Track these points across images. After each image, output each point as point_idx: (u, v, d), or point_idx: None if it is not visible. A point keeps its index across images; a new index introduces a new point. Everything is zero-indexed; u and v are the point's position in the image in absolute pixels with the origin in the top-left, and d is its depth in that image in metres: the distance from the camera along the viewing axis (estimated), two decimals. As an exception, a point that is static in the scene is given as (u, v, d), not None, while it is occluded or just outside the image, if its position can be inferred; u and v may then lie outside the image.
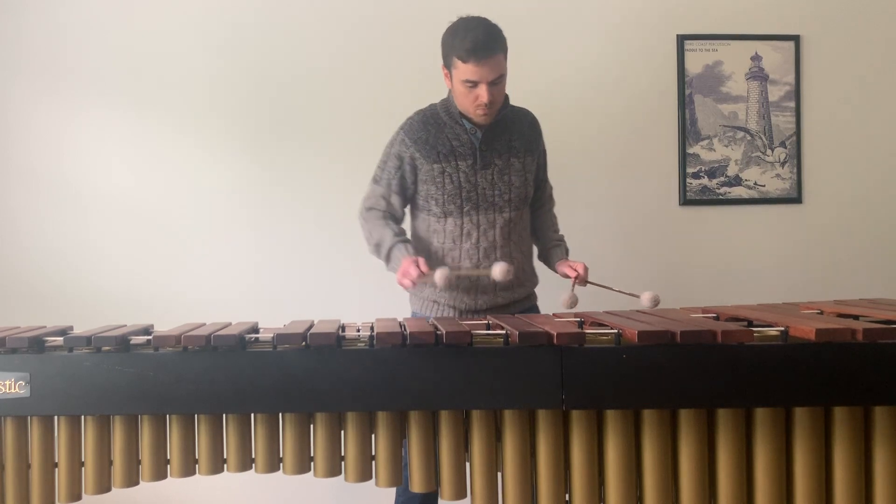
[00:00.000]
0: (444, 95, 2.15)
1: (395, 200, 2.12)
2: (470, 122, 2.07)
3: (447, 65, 2.01)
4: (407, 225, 2.22)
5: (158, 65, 2.71)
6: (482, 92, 1.96)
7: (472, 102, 1.99)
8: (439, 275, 1.92)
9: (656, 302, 1.99)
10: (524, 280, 2.17)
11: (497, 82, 1.97)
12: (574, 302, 2.06)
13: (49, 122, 2.70)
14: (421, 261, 1.95)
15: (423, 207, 2.13)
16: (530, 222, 2.23)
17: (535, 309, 2.22)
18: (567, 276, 2.10)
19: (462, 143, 2.07)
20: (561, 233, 2.28)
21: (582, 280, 2.08)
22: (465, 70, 1.94)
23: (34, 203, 2.70)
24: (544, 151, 2.24)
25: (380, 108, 2.74)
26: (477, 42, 1.91)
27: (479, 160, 2.06)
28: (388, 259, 2.08)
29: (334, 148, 2.76)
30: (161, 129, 2.72)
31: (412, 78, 2.73)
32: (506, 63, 2.00)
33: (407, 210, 2.20)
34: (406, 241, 2.08)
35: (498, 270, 1.95)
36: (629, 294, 2.04)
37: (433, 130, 2.08)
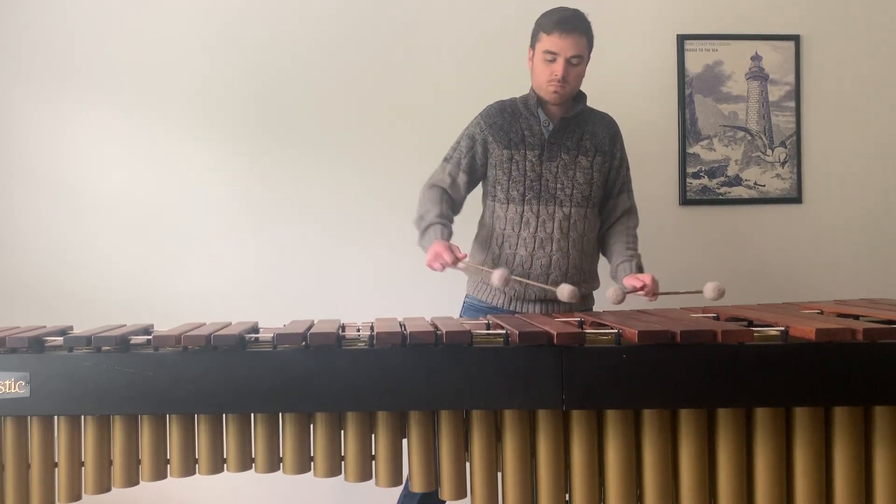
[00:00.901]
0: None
1: (462, 179, 2.16)
2: (545, 114, 2.12)
3: (532, 44, 2.10)
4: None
5: (158, 65, 2.71)
6: (558, 66, 2.02)
7: (548, 77, 2.05)
8: (497, 275, 1.92)
9: (721, 292, 1.94)
10: (580, 281, 2.13)
11: (575, 63, 2.04)
12: (620, 296, 1.98)
13: (49, 122, 2.69)
14: (456, 248, 1.97)
15: (489, 193, 2.17)
16: (604, 238, 2.22)
17: (591, 309, 2.21)
18: (635, 289, 2.01)
19: (533, 133, 2.12)
20: (635, 250, 2.19)
21: (650, 291, 2.00)
22: (546, 41, 2.03)
23: (34, 203, 2.70)
24: (623, 162, 2.22)
25: (380, 109, 2.74)
26: (564, 17, 2.03)
27: (546, 152, 2.10)
28: (423, 234, 2.09)
29: (335, 148, 2.76)
30: (161, 129, 2.72)
31: (413, 80, 2.73)
32: (588, 52, 2.08)
33: (469, 200, 2.23)
34: (446, 224, 2.09)
35: (566, 292, 1.92)
36: (695, 292, 2.01)
37: (508, 118, 2.15)
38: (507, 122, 2.14)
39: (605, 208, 2.22)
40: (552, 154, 2.11)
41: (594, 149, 2.15)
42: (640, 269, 2.14)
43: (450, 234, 2.09)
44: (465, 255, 1.98)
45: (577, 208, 2.12)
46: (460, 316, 2.21)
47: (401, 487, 1.70)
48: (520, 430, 1.51)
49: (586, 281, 2.18)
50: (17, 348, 1.50)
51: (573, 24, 2.03)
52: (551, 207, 2.10)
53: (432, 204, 2.12)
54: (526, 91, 2.19)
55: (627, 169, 2.24)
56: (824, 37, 2.87)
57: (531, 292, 2.11)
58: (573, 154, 2.12)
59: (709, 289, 1.95)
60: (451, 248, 1.96)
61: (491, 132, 2.14)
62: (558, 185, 2.11)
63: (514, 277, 2.02)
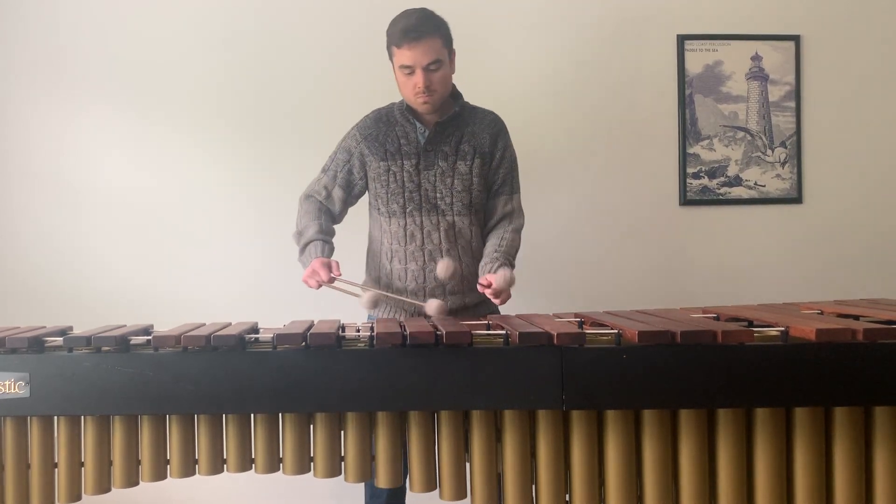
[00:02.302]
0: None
1: (337, 193, 2.12)
2: (420, 121, 2.06)
3: (389, 55, 2.01)
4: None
5: (158, 66, 2.71)
6: (418, 78, 1.94)
7: (412, 91, 1.98)
8: (367, 298, 1.92)
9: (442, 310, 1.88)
10: (475, 286, 2.07)
11: (434, 68, 1.95)
12: (448, 270, 1.93)
13: (48, 122, 2.69)
14: (335, 264, 1.94)
15: (373, 206, 2.13)
16: (484, 241, 2.12)
17: (495, 312, 2.13)
18: (481, 287, 1.95)
19: (409, 141, 2.06)
20: (502, 253, 2.05)
21: (495, 293, 1.90)
22: (399, 56, 1.95)
23: (34, 203, 2.70)
24: (504, 161, 2.11)
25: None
26: (410, 25, 1.92)
27: (422, 160, 2.04)
28: (302, 250, 2.06)
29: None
30: (161, 129, 2.72)
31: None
32: (446, 51, 1.99)
33: (351, 210, 2.20)
34: (326, 241, 2.06)
35: (434, 306, 1.86)
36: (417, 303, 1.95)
37: (384, 128, 2.08)
38: (382, 132, 2.08)
39: (486, 210, 2.13)
40: (429, 162, 2.04)
41: (473, 151, 2.06)
42: (508, 272, 1.98)
43: (331, 250, 2.05)
44: (340, 274, 1.93)
45: (460, 217, 2.06)
46: None
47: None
48: (520, 431, 1.51)
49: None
50: (17, 348, 1.50)
51: (419, 32, 1.92)
52: (434, 217, 2.05)
53: (310, 219, 2.09)
54: None
55: (511, 169, 2.13)
56: (824, 37, 2.87)
57: (404, 306, 2.06)
58: (451, 160, 2.04)
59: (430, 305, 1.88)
60: (327, 266, 1.93)
61: (366, 144, 2.08)
62: (437, 195, 2.04)
63: (381, 293, 1.99)
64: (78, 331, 1.62)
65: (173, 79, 2.71)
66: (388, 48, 2.00)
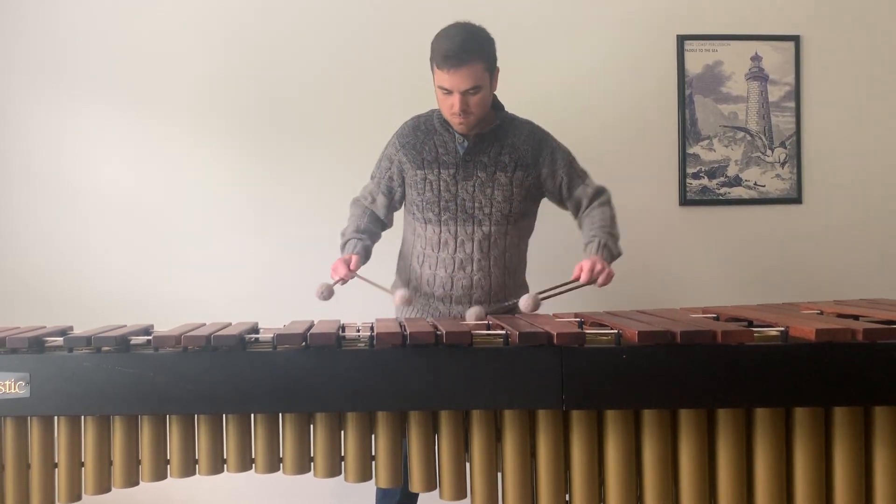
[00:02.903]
0: None
1: (381, 200, 2.15)
2: (460, 132, 2.04)
3: (431, 69, 1.99)
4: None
5: (158, 65, 2.71)
6: (455, 101, 1.93)
7: (448, 110, 1.97)
8: (399, 296, 1.96)
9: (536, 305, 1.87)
10: (505, 296, 2.12)
11: (473, 93, 1.92)
12: (531, 305, 1.88)
13: (48, 121, 2.69)
14: (354, 259, 1.97)
15: (409, 211, 2.15)
16: (579, 224, 2.15)
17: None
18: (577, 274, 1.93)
19: (448, 151, 2.05)
20: (599, 231, 2.05)
21: (588, 279, 1.89)
22: (439, 76, 1.93)
23: (34, 203, 2.70)
24: (557, 166, 2.10)
25: (382, 107, 2.74)
26: (451, 50, 1.87)
27: (461, 171, 2.04)
28: (341, 250, 2.11)
29: (335, 147, 2.75)
30: (161, 128, 2.72)
31: (414, 79, 2.72)
32: (488, 74, 1.95)
33: (397, 215, 2.22)
34: (360, 238, 2.09)
35: (472, 314, 1.84)
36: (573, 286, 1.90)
37: (422, 136, 2.08)
38: (420, 140, 2.08)
39: (570, 205, 2.15)
40: (468, 173, 2.04)
41: (514, 164, 2.05)
42: (603, 250, 1.99)
43: (364, 247, 2.07)
44: (355, 269, 1.97)
45: (497, 226, 2.06)
46: None
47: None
48: (520, 430, 1.51)
49: (513, 296, 2.11)
50: (17, 348, 1.50)
51: (461, 58, 1.87)
52: (469, 227, 2.05)
53: (352, 220, 2.15)
54: None
55: (569, 164, 2.12)
56: (824, 37, 2.87)
57: (455, 313, 2.07)
58: (490, 171, 2.04)
59: (523, 301, 1.87)
60: (346, 263, 1.96)
61: (405, 152, 2.08)
62: (476, 205, 2.04)
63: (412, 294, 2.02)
64: (78, 331, 1.62)
65: (173, 78, 2.71)
66: (431, 59, 1.96)
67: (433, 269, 2.09)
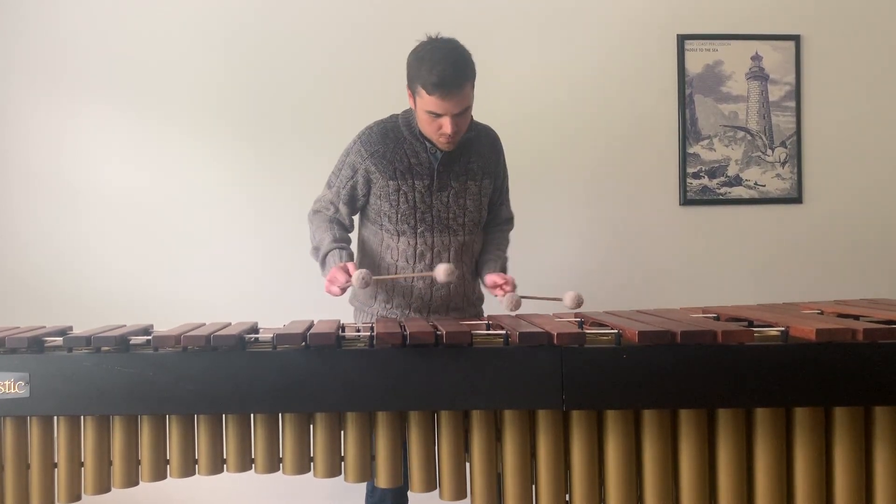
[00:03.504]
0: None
1: (343, 209, 2.08)
2: (431, 141, 2.00)
3: (412, 88, 1.93)
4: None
5: (158, 65, 2.71)
6: (445, 123, 1.89)
7: (436, 131, 1.93)
8: (356, 277, 1.85)
9: (580, 302, 1.90)
10: (475, 300, 2.16)
11: (463, 114, 1.91)
12: (516, 303, 1.93)
13: (48, 122, 2.70)
14: (350, 265, 1.91)
15: (374, 221, 2.08)
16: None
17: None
18: (496, 284, 2.00)
19: (420, 161, 2.00)
20: (504, 252, 2.15)
21: (510, 284, 1.97)
22: (429, 102, 1.87)
23: (33, 203, 2.70)
24: (504, 173, 2.15)
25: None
26: (444, 77, 1.82)
27: (435, 181, 2.01)
28: (323, 265, 2.03)
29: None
30: (161, 129, 2.72)
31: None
32: (472, 91, 1.93)
33: (356, 218, 2.17)
34: (343, 247, 2.02)
35: (442, 272, 1.87)
36: (554, 299, 1.95)
37: (391, 145, 2.01)
38: (389, 149, 2.00)
39: (488, 221, 2.16)
40: (442, 183, 2.00)
41: (482, 171, 2.05)
42: (503, 271, 2.09)
43: (349, 255, 2.02)
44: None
45: (470, 235, 2.07)
46: None
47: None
48: (520, 431, 1.51)
49: (479, 300, 2.18)
50: (17, 348, 1.50)
51: (455, 85, 1.83)
52: (446, 238, 2.03)
53: (323, 231, 2.05)
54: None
55: (506, 179, 2.17)
56: (824, 37, 2.87)
57: (408, 282, 2.05)
58: (462, 180, 2.02)
59: (568, 297, 1.90)
60: (344, 270, 1.90)
61: (373, 161, 2.00)
62: (450, 215, 2.02)
63: (376, 278, 1.96)
64: (78, 331, 1.62)
65: (173, 78, 2.71)
66: (413, 83, 1.91)
67: (409, 281, 2.05)
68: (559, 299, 1.92)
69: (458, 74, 1.85)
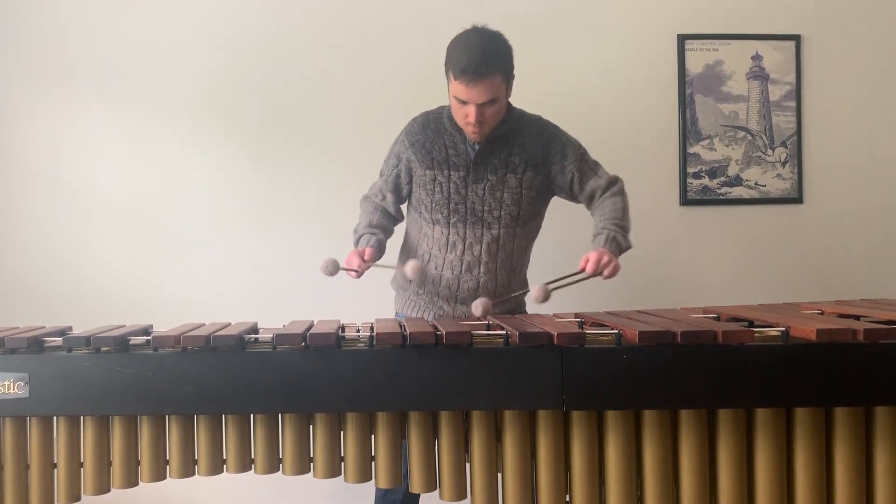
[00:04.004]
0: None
1: (390, 197, 2.13)
2: None
3: (446, 74, 1.95)
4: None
5: (157, 65, 2.71)
6: (470, 111, 1.90)
7: (463, 119, 1.94)
8: (410, 267, 1.94)
9: (546, 294, 1.84)
10: (505, 300, 2.12)
11: (489, 104, 1.90)
12: (542, 295, 1.86)
13: (48, 122, 2.69)
14: (368, 251, 1.97)
15: (416, 209, 2.12)
16: (591, 214, 2.10)
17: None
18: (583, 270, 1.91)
19: (458, 152, 2.02)
20: (613, 221, 2.00)
21: (593, 270, 1.87)
22: (456, 88, 1.89)
23: (33, 203, 2.70)
24: (567, 162, 2.06)
25: (380, 108, 2.74)
26: (470, 64, 1.83)
27: (471, 173, 2.01)
28: (355, 245, 2.10)
29: (334, 148, 2.75)
30: (160, 129, 2.72)
31: (412, 79, 2.72)
32: (505, 85, 1.92)
33: (403, 208, 2.21)
34: (373, 233, 2.08)
35: (479, 306, 1.85)
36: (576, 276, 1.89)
37: (432, 135, 2.04)
38: (429, 139, 2.03)
39: (582, 199, 2.10)
40: (478, 175, 2.01)
41: (524, 164, 2.02)
42: (611, 243, 1.96)
43: (378, 241, 2.07)
44: (369, 259, 1.97)
45: (506, 229, 2.04)
46: None
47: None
48: (520, 431, 1.51)
49: (516, 297, 2.15)
50: (17, 349, 1.50)
51: (480, 73, 1.83)
52: (479, 230, 2.03)
53: (363, 216, 2.14)
54: None
55: (580, 159, 2.07)
56: (825, 37, 2.86)
57: (459, 313, 2.07)
58: (500, 174, 2.01)
59: (534, 290, 1.85)
60: (359, 255, 1.96)
61: (413, 151, 2.04)
62: (485, 208, 2.02)
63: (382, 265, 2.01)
64: (77, 331, 1.62)
65: (173, 78, 2.71)
66: (446, 65, 1.92)
67: (439, 269, 2.07)
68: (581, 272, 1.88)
69: (485, 63, 1.84)
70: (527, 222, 2.08)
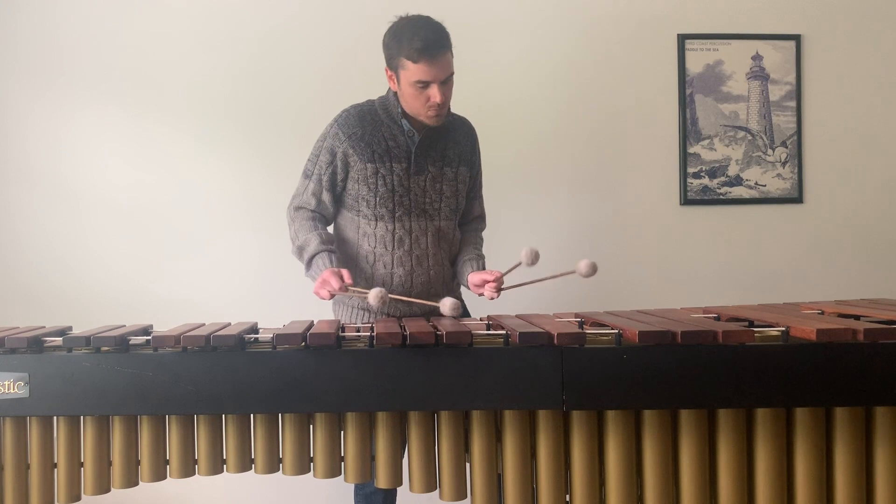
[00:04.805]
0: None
1: (327, 197, 2.04)
2: (409, 123, 2.00)
3: (392, 67, 1.95)
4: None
5: (157, 65, 2.71)
6: (434, 92, 1.90)
7: (424, 104, 1.93)
8: (374, 295, 1.73)
9: (594, 268, 1.82)
10: (454, 287, 2.16)
11: (447, 81, 1.93)
12: (533, 256, 1.86)
13: (47, 121, 2.69)
14: (345, 273, 1.86)
15: (351, 207, 2.05)
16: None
17: (466, 314, 2.13)
18: (485, 282, 1.95)
19: (398, 144, 2.00)
20: (481, 251, 2.15)
21: (498, 281, 1.93)
22: (416, 70, 1.88)
23: (33, 203, 2.69)
24: (479, 169, 2.17)
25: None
26: (427, 41, 1.86)
27: (413, 165, 2.01)
28: (308, 265, 1.99)
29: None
30: (160, 128, 2.72)
31: (412, 78, 2.72)
32: (453, 62, 1.94)
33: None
34: (332, 250, 1.98)
35: (448, 305, 1.78)
36: (562, 275, 1.88)
37: (370, 128, 2.01)
38: (367, 132, 2.00)
39: (462, 216, 2.16)
40: (420, 167, 2.01)
41: (458, 159, 2.06)
42: (482, 268, 2.07)
43: (338, 259, 1.98)
44: (351, 282, 1.86)
45: (447, 221, 2.06)
46: None
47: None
48: (520, 431, 1.51)
49: (456, 291, 2.17)
50: (17, 349, 1.50)
51: (439, 48, 1.87)
52: (423, 222, 2.02)
53: (308, 230, 2.01)
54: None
55: (479, 174, 2.18)
56: (825, 36, 2.87)
57: (414, 309, 2.00)
58: (439, 165, 2.03)
59: (582, 265, 1.82)
60: (338, 276, 1.85)
61: (350, 144, 1.99)
62: (426, 199, 2.02)
63: (392, 296, 1.85)
64: (77, 331, 1.62)
65: (173, 78, 2.71)
66: (394, 59, 1.92)
67: (388, 267, 2.02)
68: (570, 272, 1.87)
69: (440, 38, 1.89)
70: (459, 214, 2.13)
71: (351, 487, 2.17)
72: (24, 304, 2.66)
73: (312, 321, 1.73)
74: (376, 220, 2.01)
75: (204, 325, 1.69)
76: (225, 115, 2.73)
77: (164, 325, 1.71)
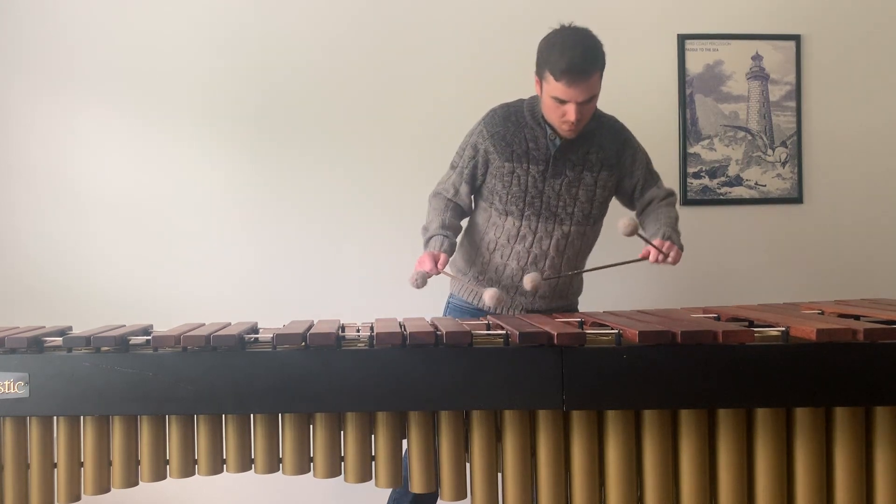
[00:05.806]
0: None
1: (464, 189, 2.11)
2: (552, 127, 2.02)
3: (538, 73, 1.96)
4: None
5: (158, 65, 2.71)
6: (570, 110, 1.91)
7: (560, 118, 1.95)
8: (490, 295, 1.88)
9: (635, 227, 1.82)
10: (568, 294, 2.18)
11: (588, 102, 1.92)
12: (536, 284, 1.95)
13: (48, 121, 2.69)
14: (442, 258, 1.96)
15: (486, 199, 2.11)
16: (641, 218, 2.12)
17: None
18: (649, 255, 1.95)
19: (538, 146, 2.03)
20: (670, 225, 2.02)
21: (657, 257, 1.92)
22: (555, 88, 1.89)
23: (33, 203, 2.69)
24: (636, 165, 2.12)
25: (380, 109, 2.74)
26: (573, 64, 1.85)
27: (550, 168, 2.03)
28: (426, 245, 2.07)
29: (334, 148, 2.75)
30: (161, 128, 2.72)
31: (413, 81, 2.73)
32: (600, 81, 1.94)
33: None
34: (447, 235, 2.06)
35: (489, 295, 1.89)
36: (633, 261, 1.95)
37: (512, 128, 2.05)
38: (510, 132, 2.05)
39: (638, 205, 2.14)
40: (557, 171, 2.03)
41: (600, 164, 2.06)
42: (668, 237, 1.98)
43: (451, 245, 2.05)
44: (443, 269, 1.96)
45: (577, 226, 2.07)
46: (444, 315, 2.21)
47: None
48: (520, 431, 1.51)
49: (575, 294, 2.21)
50: (17, 348, 1.50)
51: (582, 71, 1.86)
52: (550, 225, 2.05)
53: (436, 214, 2.11)
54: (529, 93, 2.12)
55: (646, 165, 2.14)
56: (825, 36, 2.86)
57: (517, 304, 2.11)
58: (578, 170, 2.04)
59: (621, 224, 1.82)
60: (433, 259, 1.95)
61: (493, 142, 2.05)
62: (560, 203, 2.05)
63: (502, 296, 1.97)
64: (77, 331, 1.62)
65: (173, 78, 2.71)
66: (541, 68, 1.93)
67: (504, 258, 2.09)
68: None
69: (588, 62, 1.87)
70: (596, 221, 2.13)
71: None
72: (24, 304, 2.66)
73: (312, 321, 1.74)
74: (506, 214, 2.07)
75: (204, 324, 1.69)
76: (227, 115, 2.72)
77: (165, 325, 1.71)
